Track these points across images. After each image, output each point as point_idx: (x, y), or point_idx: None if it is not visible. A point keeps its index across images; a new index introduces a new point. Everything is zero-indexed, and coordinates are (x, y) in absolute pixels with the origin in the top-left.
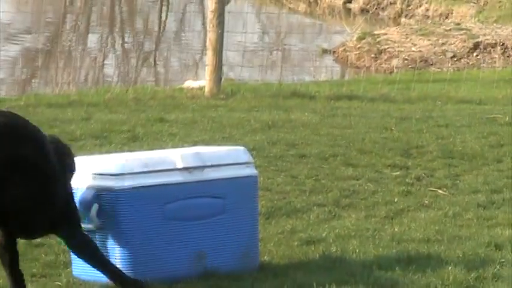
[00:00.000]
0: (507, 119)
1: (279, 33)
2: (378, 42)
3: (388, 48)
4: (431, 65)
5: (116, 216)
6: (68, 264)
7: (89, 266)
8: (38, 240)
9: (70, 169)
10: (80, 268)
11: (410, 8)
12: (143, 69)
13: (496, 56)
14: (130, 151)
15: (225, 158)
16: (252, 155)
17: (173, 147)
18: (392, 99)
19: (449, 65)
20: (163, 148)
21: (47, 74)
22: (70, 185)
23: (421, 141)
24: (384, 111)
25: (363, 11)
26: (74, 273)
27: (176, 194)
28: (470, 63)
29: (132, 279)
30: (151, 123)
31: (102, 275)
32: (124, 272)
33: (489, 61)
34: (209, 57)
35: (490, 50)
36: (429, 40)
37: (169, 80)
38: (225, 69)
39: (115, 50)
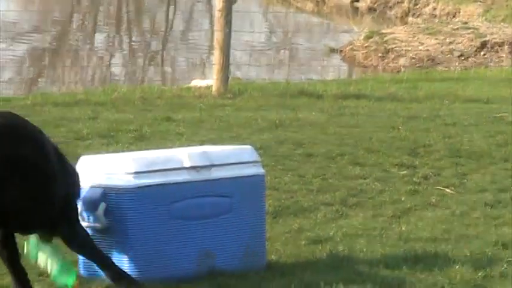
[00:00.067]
0: None
1: (286, 32)
2: (385, 41)
3: (395, 47)
4: (439, 64)
5: (123, 215)
6: (75, 263)
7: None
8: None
9: (71, 169)
10: (88, 267)
11: (417, 7)
12: (150, 68)
13: (504, 54)
14: (137, 150)
15: (232, 157)
16: (259, 154)
17: (180, 146)
18: (400, 98)
19: (457, 64)
20: (170, 147)
21: (54, 73)
22: (71, 184)
23: (429, 140)
24: (391, 110)
25: (370, 9)
26: (82, 272)
27: (183, 193)
28: (478, 62)
29: (129, 277)
30: (158, 123)
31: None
32: (123, 270)
33: (496, 60)
34: (216, 57)
35: (498, 49)
36: (436, 39)
37: (177, 79)
38: (232, 68)
39: (122, 49)
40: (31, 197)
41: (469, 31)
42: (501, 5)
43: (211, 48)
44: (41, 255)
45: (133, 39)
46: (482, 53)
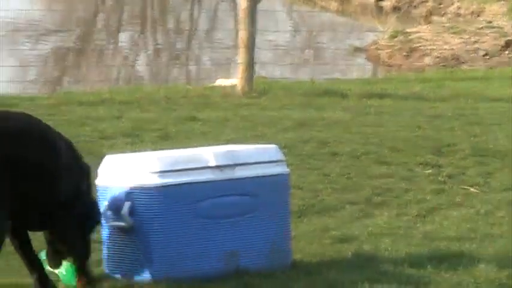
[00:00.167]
0: None
1: (311, 31)
2: (410, 40)
3: (420, 46)
4: (463, 63)
5: (148, 214)
6: (99, 262)
7: (122, 263)
8: None
9: (85, 167)
10: (113, 265)
11: (442, 6)
12: (175, 67)
13: None
14: (162, 150)
15: (257, 156)
16: (283, 153)
17: (205, 145)
18: (424, 98)
19: (481, 63)
20: (195, 147)
21: (78, 72)
22: (83, 183)
23: (453, 139)
24: (416, 109)
25: (395, 9)
26: (107, 271)
27: (208, 192)
28: (502, 61)
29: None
30: (182, 122)
31: (137, 272)
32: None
33: None
34: (241, 56)
35: None
36: (461, 38)
37: (201, 78)
38: (256, 67)
39: (147, 48)
40: (42, 196)
41: (494, 30)
42: None
43: (236, 47)
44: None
45: (158, 38)
46: (506, 52)
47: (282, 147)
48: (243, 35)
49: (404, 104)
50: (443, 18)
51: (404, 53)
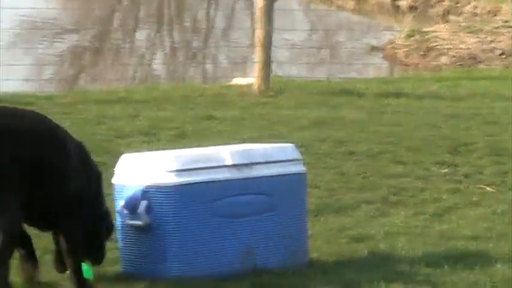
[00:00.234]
0: None
1: (327, 30)
2: (427, 39)
3: (436, 45)
4: (480, 62)
5: (164, 213)
6: (116, 260)
7: (138, 261)
8: None
9: (95, 169)
10: (129, 264)
11: (458, 5)
12: (191, 66)
13: None
14: (178, 148)
15: (273, 155)
16: (300, 152)
17: (221, 144)
18: (441, 97)
19: (498, 62)
20: (211, 145)
21: (95, 71)
22: (93, 184)
23: (470, 138)
24: (432, 108)
25: (411, 8)
26: (122, 269)
27: (224, 191)
28: None
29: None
30: (199, 121)
31: (153, 270)
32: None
33: None
34: (258, 54)
35: None
36: (478, 37)
37: (218, 77)
38: (273, 66)
39: (163, 47)
40: (47, 195)
41: (510, 29)
42: None
43: (252, 46)
44: None
45: (174, 37)
46: None
47: (299, 146)
48: (259, 33)
49: (421, 103)
50: (459, 17)
51: (421, 52)
